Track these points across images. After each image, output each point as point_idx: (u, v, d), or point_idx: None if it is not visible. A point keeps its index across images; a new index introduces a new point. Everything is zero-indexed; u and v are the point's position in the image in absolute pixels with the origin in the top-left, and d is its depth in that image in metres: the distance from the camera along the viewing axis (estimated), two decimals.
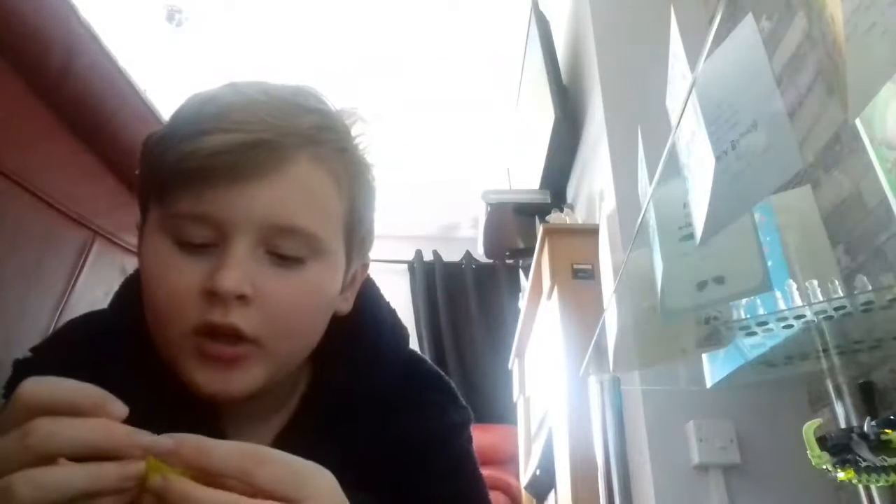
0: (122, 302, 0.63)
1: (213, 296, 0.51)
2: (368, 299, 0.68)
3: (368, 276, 0.69)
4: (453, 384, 0.72)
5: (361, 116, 0.63)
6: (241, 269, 0.52)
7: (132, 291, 0.59)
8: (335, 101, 0.63)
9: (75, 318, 0.68)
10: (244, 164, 0.52)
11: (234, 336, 0.52)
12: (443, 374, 0.72)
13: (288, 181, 0.54)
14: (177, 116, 0.57)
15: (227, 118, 0.53)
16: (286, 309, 0.55)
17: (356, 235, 0.62)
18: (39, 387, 0.39)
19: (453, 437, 0.68)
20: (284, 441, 0.61)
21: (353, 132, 0.62)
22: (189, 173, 0.52)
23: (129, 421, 0.45)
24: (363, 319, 0.66)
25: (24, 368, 0.62)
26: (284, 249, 0.54)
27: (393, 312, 0.71)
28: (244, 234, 0.53)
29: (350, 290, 0.65)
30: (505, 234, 2.37)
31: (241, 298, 0.52)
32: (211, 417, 0.59)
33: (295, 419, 0.63)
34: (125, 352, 0.59)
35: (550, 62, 2.15)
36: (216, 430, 0.59)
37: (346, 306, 0.64)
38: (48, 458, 0.37)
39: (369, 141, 0.63)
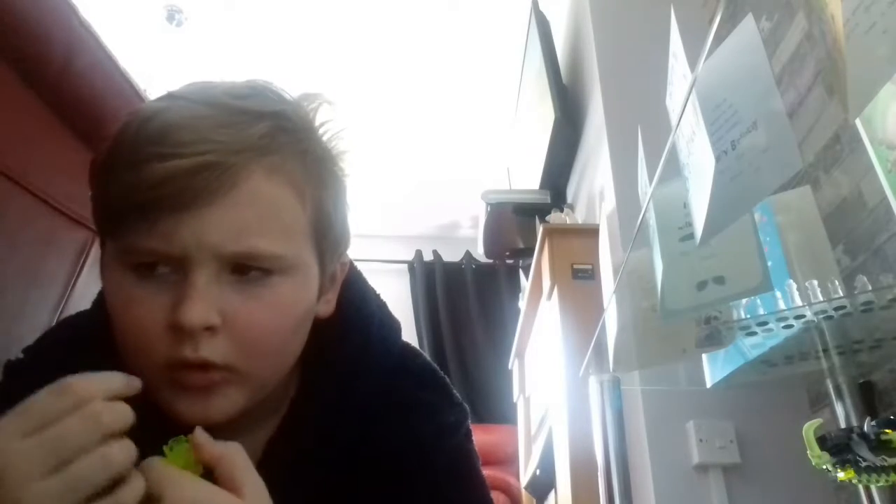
0: (103, 311, 0.59)
1: (179, 330, 0.49)
2: (354, 295, 0.65)
3: (354, 268, 0.67)
4: (447, 380, 0.70)
5: (326, 100, 0.59)
6: (204, 300, 0.49)
7: (101, 305, 0.58)
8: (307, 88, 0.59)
9: (66, 318, 0.67)
10: (193, 190, 0.49)
11: (207, 366, 0.51)
12: (436, 369, 0.70)
13: (242, 202, 0.51)
14: (118, 139, 0.53)
15: (169, 140, 0.49)
16: (258, 332, 0.53)
17: (327, 240, 0.58)
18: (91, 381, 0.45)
19: (447, 439, 0.66)
20: (274, 450, 0.60)
21: (317, 121, 0.58)
22: (137, 207, 0.49)
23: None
24: (350, 317, 0.63)
25: (15, 372, 0.61)
26: (249, 271, 0.52)
27: (382, 306, 0.68)
28: (203, 262, 0.50)
29: (331, 292, 0.62)
30: (505, 234, 2.37)
31: (209, 329, 0.50)
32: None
33: (284, 427, 0.61)
34: (111, 363, 0.57)
35: (550, 62, 2.15)
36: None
37: (328, 308, 0.62)
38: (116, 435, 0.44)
39: (337, 127, 0.59)
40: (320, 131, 0.58)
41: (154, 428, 0.55)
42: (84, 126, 0.88)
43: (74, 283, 0.88)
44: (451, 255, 3.93)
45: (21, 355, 0.63)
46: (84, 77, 0.84)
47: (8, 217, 0.78)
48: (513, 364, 2.37)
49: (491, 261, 3.50)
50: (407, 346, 0.69)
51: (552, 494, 1.79)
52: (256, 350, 0.53)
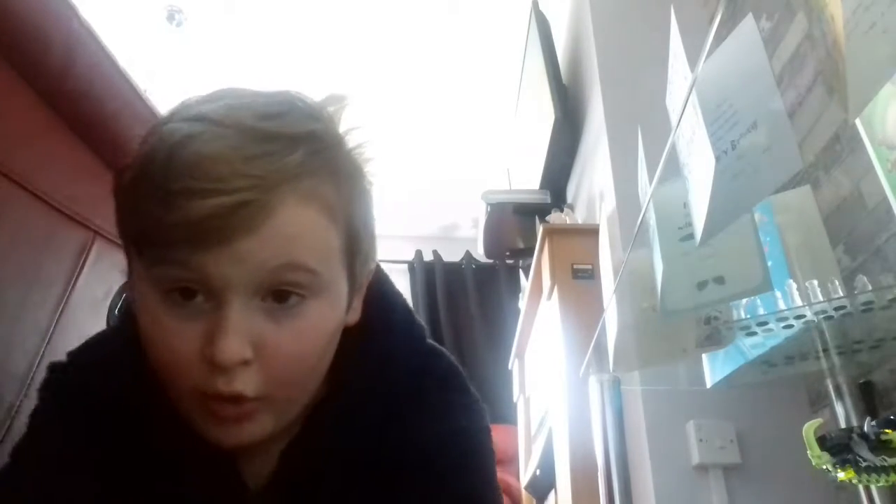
0: (128, 327, 0.60)
1: (213, 363, 0.50)
2: (379, 302, 0.65)
3: (380, 271, 0.66)
4: (468, 381, 0.69)
5: (350, 102, 0.57)
6: (238, 334, 0.49)
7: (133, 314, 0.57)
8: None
9: (107, 329, 0.68)
10: (230, 228, 0.48)
11: (240, 399, 0.51)
12: (458, 372, 0.69)
13: (278, 232, 0.50)
14: (146, 162, 0.50)
15: (203, 174, 0.47)
16: (290, 361, 0.53)
17: (358, 257, 0.58)
18: None
19: (460, 439, 0.65)
20: (290, 457, 0.61)
21: (342, 127, 0.57)
22: (169, 240, 0.49)
23: (144, 438, 0.49)
24: (374, 326, 0.63)
25: (58, 374, 0.63)
26: (280, 297, 0.52)
27: (407, 312, 0.68)
28: (237, 293, 0.50)
29: (357, 299, 0.61)
30: (505, 234, 2.37)
31: (243, 363, 0.50)
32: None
33: (301, 434, 0.61)
34: (137, 379, 0.58)
35: (550, 62, 2.15)
36: (227, 456, 0.59)
37: (355, 316, 0.61)
38: None
39: (362, 136, 0.58)
40: (347, 141, 0.57)
41: (186, 444, 0.57)
42: (84, 126, 0.88)
43: (74, 284, 0.87)
44: (451, 255, 3.92)
45: (64, 359, 0.64)
46: (84, 77, 0.84)
47: (8, 217, 0.78)
48: (513, 364, 2.37)
49: (491, 261, 3.50)
50: (433, 348, 0.69)
51: (552, 494, 1.79)
52: (288, 378, 0.54)
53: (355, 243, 0.57)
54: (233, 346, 0.49)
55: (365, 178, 0.59)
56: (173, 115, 0.53)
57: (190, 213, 0.47)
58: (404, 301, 0.69)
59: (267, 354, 0.51)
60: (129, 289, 0.57)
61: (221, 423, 0.53)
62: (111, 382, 0.60)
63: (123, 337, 0.62)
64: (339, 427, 0.61)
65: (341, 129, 0.57)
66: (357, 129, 0.58)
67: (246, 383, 0.51)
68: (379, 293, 0.65)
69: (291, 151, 0.50)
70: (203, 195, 0.47)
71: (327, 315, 0.55)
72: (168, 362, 0.52)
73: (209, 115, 0.51)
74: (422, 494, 0.61)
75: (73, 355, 0.65)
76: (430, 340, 0.69)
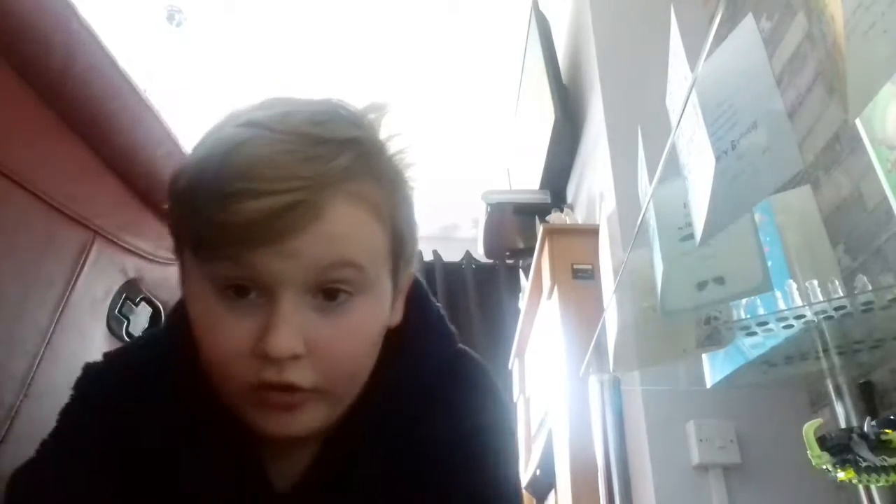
0: (174, 327, 0.62)
1: (265, 357, 0.51)
2: (418, 304, 0.66)
3: (416, 279, 0.67)
4: (497, 385, 0.70)
5: (390, 110, 0.59)
6: (290, 329, 0.51)
7: (182, 318, 0.58)
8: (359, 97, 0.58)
9: (145, 334, 0.70)
10: (281, 227, 0.50)
11: (291, 388, 0.52)
12: (487, 373, 0.70)
13: (327, 231, 0.52)
14: (202, 163, 0.53)
15: (257, 175, 0.50)
16: (340, 355, 0.54)
17: (402, 258, 0.60)
18: None
19: (480, 439, 0.65)
20: (320, 464, 0.61)
21: (383, 135, 0.58)
22: (223, 240, 0.51)
23: (174, 440, 0.52)
24: (412, 328, 0.64)
25: (92, 374, 0.64)
26: (330, 294, 0.53)
27: (440, 315, 0.69)
28: (288, 289, 0.51)
29: (398, 300, 0.63)
30: (505, 234, 2.37)
31: (295, 357, 0.51)
32: (248, 445, 0.59)
33: (337, 435, 0.61)
34: (175, 378, 0.59)
35: (550, 62, 2.15)
36: (253, 457, 0.60)
37: (397, 317, 0.62)
38: None
39: (403, 142, 0.60)
40: (389, 147, 0.59)
41: (210, 436, 0.58)
42: (84, 126, 0.87)
43: (74, 284, 0.87)
44: (451, 256, 3.92)
45: (101, 360, 0.65)
46: (84, 77, 0.84)
47: (7, 217, 0.78)
48: (513, 364, 2.37)
49: (491, 261, 3.50)
50: (462, 350, 0.70)
51: (552, 494, 1.79)
52: (339, 373, 0.55)
53: (400, 245, 0.59)
54: (285, 339, 0.50)
55: (407, 183, 0.61)
56: (225, 122, 0.55)
57: (241, 214, 0.49)
58: (438, 306, 0.70)
59: (318, 351, 0.52)
60: (182, 286, 0.58)
61: (272, 411, 0.54)
62: (143, 384, 0.61)
63: (165, 341, 0.64)
64: (374, 428, 0.62)
65: (382, 135, 0.58)
66: (398, 136, 0.60)
67: (297, 375, 0.52)
68: (417, 296, 0.67)
69: (338, 155, 0.52)
70: (253, 196, 0.49)
71: (374, 313, 0.57)
72: (220, 359, 0.53)
73: (260, 120, 0.53)
74: (438, 493, 0.61)
75: (108, 356, 0.66)
76: (460, 344, 0.70)
